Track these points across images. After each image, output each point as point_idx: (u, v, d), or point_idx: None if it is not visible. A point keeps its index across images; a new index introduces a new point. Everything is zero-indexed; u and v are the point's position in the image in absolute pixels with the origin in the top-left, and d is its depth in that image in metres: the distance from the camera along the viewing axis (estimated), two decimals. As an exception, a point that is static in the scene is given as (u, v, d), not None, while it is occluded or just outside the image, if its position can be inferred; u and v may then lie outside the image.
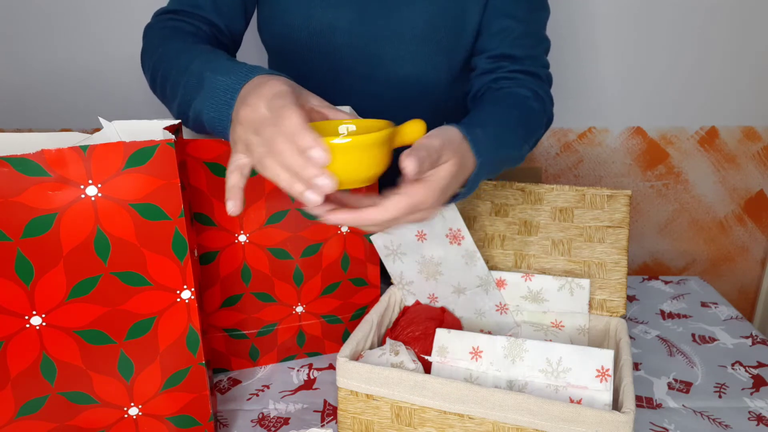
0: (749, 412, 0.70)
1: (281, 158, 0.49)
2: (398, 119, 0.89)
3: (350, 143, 0.49)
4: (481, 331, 0.75)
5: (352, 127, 0.58)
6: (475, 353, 0.63)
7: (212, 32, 0.81)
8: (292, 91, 0.53)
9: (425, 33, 0.86)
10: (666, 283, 1.03)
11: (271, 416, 0.70)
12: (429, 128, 0.62)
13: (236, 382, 0.76)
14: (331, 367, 0.79)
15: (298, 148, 0.48)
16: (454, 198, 0.63)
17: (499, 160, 0.67)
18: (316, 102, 0.57)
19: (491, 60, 0.87)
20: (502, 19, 0.86)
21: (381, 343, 0.72)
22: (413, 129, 0.56)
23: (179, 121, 0.60)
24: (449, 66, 0.91)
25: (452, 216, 0.71)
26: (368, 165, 0.51)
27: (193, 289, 0.58)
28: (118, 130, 0.58)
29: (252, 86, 0.54)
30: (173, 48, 0.70)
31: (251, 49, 1.22)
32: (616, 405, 0.58)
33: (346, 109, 0.77)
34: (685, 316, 0.92)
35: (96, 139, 0.57)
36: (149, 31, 0.79)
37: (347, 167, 0.50)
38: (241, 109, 0.53)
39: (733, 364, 0.79)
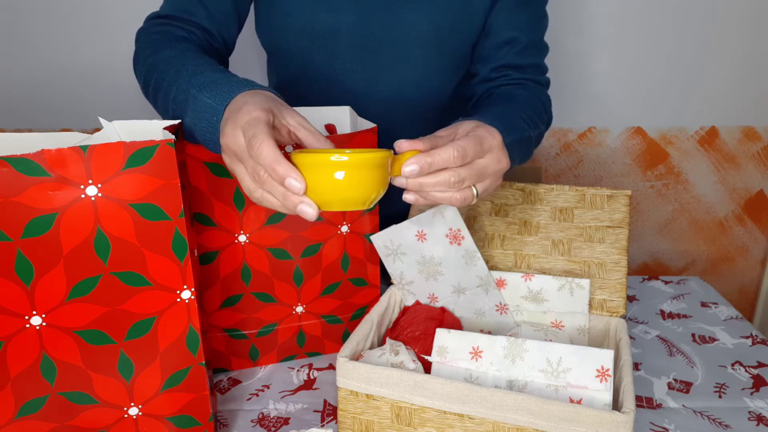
0: (749, 412, 0.70)
1: (265, 187, 0.51)
2: (400, 123, 0.90)
3: (346, 161, 0.50)
4: (481, 331, 0.75)
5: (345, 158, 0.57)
6: (475, 353, 0.63)
7: (204, 37, 0.81)
8: (265, 117, 0.52)
9: (428, 37, 0.86)
10: (666, 283, 1.03)
11: (271, 416, 0.70)
12: (433, 131, 0.62)
13: (236, 382, 0.76)
14: (331, 367, 0.79)
15: (276, 179, 0.50)
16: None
17: (514, 142, 0.67)
18: (293, 122, 0.56)
19: (496, 70, 0.87)
20: (509, 31, 0.86)
21: (381, 343, 0.72)
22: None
23: (179, 121, 0.60)
24: (452, 69, 0.91)
25: (452, 216, 0.71)
26: (362, 186, 0.51)
27: (193, 289, 0.58)
28: (118, 130, 0.58)
29: (231, 111, 0.55)
30: (163, 57, 0.69)
31: (250, 49, 1.22)
32: (616, 405, 0.58)
33: (345, 108, 0.77)
34: (685, 316, 0.92)
35: (96, 139, 0.57)
36: (141, 36, 0.78)
37: (340, 187, 0.51)
38: (222, 138, 0.54)
39: (733, 364, 0.79)
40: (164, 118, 0.69)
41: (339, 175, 0.50)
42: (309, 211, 0.50)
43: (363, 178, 0.51)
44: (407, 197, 0.57)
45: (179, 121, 0.60)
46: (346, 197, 0.51)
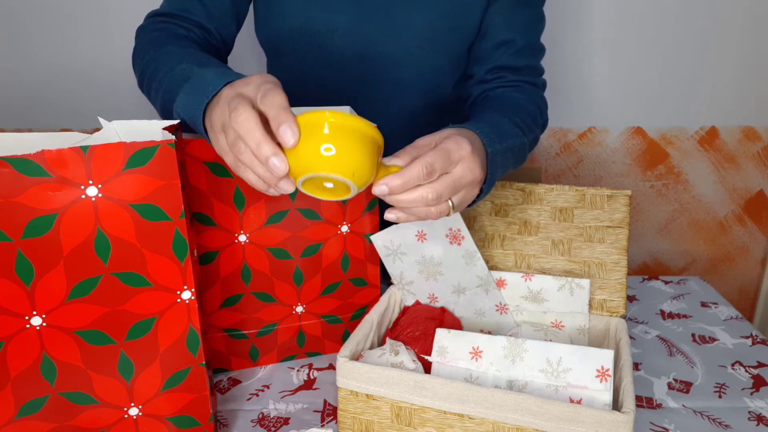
0: (749, 412, 0.70)
1: (241, 128, 0.49)
2: (399, 123, 0.89)
3: (340, 120, 0.49)
4: (481, 331, 0.75)
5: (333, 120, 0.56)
6: (475, 353, 0.63)
7: (203, 35, 0.82)
8: (279, 83, 0.52)
9: (425, 36, 0.86)
10: (666, 283, 1.03)
11: (271, 416, 0.70)
12: (430, 131, 0.62)
13: (236, 382, 0.76)
14: (331, 367, 0.79)
15: (275, 125, 0.49)
16: (477, 197, 0.63)
17: (506, 149, 0.67)
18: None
19: (491, 71, 0.87)
20: (505, 32, 0.86)
21: (381, 343, 0.72)
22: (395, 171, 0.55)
23: (179, 121, 0.60)
24: (449, 69, 0.91)
25: (452, 216, 0.71)
26: (349, 156, 0.50)
27: (193, 290, 0.58)
28: (117, 130, 0.58)
29: (226, 89, 0.54)
30: (164, 51, 0.70)
31: (250, 49, 1.22)
32: (616, 405, 0.58)
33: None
34: (685, 316, 0.92)
35: (96, 139, 0.57)
36: (141, 33, 0.79)
37: (324, 143, 0.49)
38: (213, 112, 0.54)
39: (733, 364, 0.79)
40: (155, 106, 0.69)
41: (327, 129, 0.49)
42: (278, 164, 0.48)
43: (352, 142, 0.50)
44: (389, 216, 0.57)
45: (177, 121, 0.60)
46: (333, 159, 0.49)
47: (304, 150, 0.49)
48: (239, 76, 0.57)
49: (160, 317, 0.58)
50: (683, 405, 0.72)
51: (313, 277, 0.76)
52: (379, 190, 0.54)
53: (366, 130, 0.51)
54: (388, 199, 0.55)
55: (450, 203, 0.58)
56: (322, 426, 0.68)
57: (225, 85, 0.55)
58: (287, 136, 0.48)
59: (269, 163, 0.49)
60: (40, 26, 1.38)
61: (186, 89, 0.59)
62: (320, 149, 0.49)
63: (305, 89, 0.92)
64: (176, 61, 0.65)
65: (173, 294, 0.58)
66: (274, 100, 0.49)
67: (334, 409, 0.71)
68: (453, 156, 0.56)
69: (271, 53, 0.95)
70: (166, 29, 0.78)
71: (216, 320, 0.74)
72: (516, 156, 0.71)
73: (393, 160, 0.56)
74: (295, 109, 0.67)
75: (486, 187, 0.63)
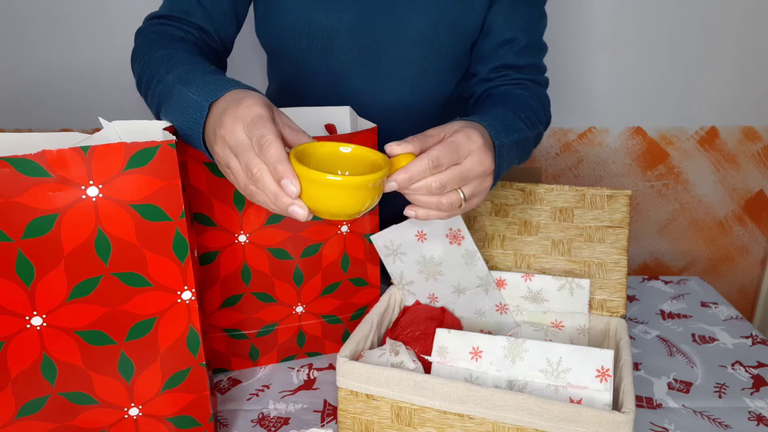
0: (749, 412, 0.70)
1: (257, 185, 0.52)
2: (400, 122, 0.90)
3: (340, 182, 0.50)
4: (481, 331, 0.75)
5: (348, 149, 0.57)
6: (475, 353, 0.63)
7: (202, 37, 0.81)
8: (269, 115, 0.53)
9: (426, 35, 0.86)
10: (666, 283, 1.03)
11: (271, 416, 0.70)
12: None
13: (236, 382, 0.76)
14: (331, 367, 0.79)
15: (275, 178, 0.51)
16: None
17: (512, 142, 0.68)
18: (278, 119, 0.56)
19: (494, 70, 0.88)
20: (507, 31, 0.86)
21: (381, 343, 0.72)
22: (407, 161, 0.56)
23: None
24: (451, 69, 0.91)
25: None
26: (354, 203, 0.52)
27: (193, 290, 0.58)
28: (118, 131, 0.58)
29: (227, 103, 0.54)
30: (158, 55, 0.70)
31: (250, 50, 1.22)
32: (616, 405, 0.58)
33: (346, 108, 0.77)
34: (685, 316, 0.92)
35: (96, 139, 0.57)
36: (139, 35, 0.79)
37: (333, 201, 0.51)
38: (218, 128, 0.54)
39: (733, 364, 0.79)
40: (151, 111, 0.69)
41: (332, 192, 0.51)
42: (300, 212, 0.51)
43: (356, 196, 0.52)
44: (408, 212, 0.60)
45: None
46: (336, 212, 0.52)
47: (307, 201, 0.52)
48: (220, 88, 0.57)
49: (161, 317, 0.58)
50: (683, 405, 0.72)
51: (313, 277, 0.76)
52: (389, 186, 0.56)
53: (366, 180, 0.51)
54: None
55: (461, 195, 0.58)
56: (322, 426, 0.68)
57: (210, 105, 0.56)
58: (289, 189, 0.50)
59: (289, 211, 0.52)
60: (40, 26, 1.38)
61: (174, 110, 0.59)
62: (323, 206, 0.52)
63: (306, 89, 0.92)
64: (166, 69, 0.65)
65: (173, 294, 0.58)
66: (269, 153, 0.50)
67: (334, 409, 0.71)
68: (462, 149, 0.57)
69: (272, 54, 0.95)
70: (163, 31, 0.78)
71: (216, 320, 0.74)
72: (521, 150, 0.72)
73: (404, 146, 0.56)
74: (292, 110, 0.67)
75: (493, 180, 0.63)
